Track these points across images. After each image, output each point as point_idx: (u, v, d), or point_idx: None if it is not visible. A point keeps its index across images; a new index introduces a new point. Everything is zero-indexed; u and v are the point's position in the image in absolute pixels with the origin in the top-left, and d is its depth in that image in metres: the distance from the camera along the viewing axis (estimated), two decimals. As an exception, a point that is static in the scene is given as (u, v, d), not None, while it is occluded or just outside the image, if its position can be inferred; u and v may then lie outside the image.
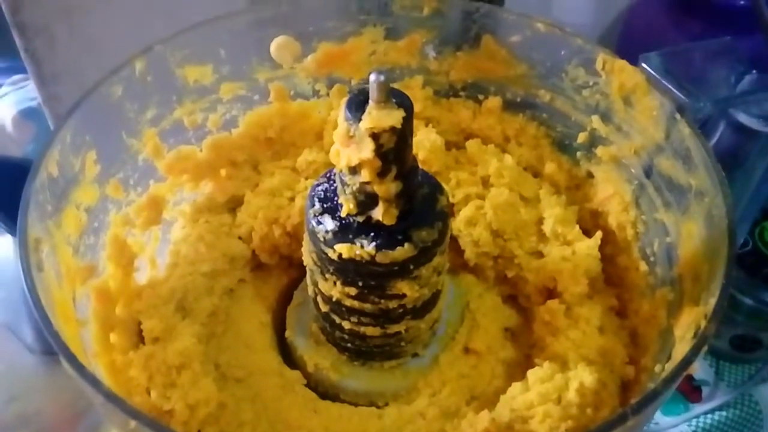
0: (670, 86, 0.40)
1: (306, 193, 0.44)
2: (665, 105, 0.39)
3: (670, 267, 0.38)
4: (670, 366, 0.31)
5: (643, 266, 0.41)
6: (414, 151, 0.43)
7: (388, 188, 0.33)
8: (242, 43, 0.44)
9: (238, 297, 0.43)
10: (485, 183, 0.45)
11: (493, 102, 0.47)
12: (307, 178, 0.46)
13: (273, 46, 0.44)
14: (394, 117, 0.31)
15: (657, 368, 0.33)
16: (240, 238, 0.44)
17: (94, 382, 0.25)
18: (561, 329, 0.38)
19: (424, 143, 0.45)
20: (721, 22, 0.67)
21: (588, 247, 0.41)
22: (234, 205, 0.46)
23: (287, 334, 0.42)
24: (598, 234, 0.42)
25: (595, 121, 0.44)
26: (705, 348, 0.28)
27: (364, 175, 0.32)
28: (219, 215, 0.45)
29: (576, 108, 0.45)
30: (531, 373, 0.35)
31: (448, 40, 0.47)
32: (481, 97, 0.48)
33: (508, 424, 0.33)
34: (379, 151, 0.32)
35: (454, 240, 0.43)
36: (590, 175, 0.45)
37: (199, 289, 0.41)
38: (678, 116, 0.38)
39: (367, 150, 0.32)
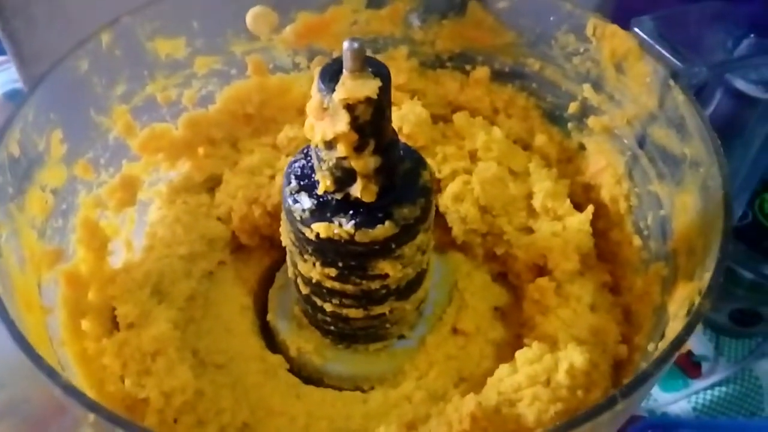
0: (663, 51, 0.38)
1: (287, 171, 0.43)
2: (659, 71, 0.37)
3: (664, 241, 0.37)
4: (663, 345, 0.29)
5: (637, 241, 0.39)
6: (399, 124, 0.42)
7: (366, 163, 0.31)
8: (216, 14, 0.42)
9: (217, 280, 0.42)
10: (473, 157, 0.43)
11: (481, 72, 0.45)
12: (287, 155, 0.44)
13: (249, 17, 0.42)
14: (369, 87, 0.29)
15: (650, 347, 0.32)
16: (219, 218, 0.43)
17: (51, 372, 0.24)
18: (551, 308, 0.37)
19: (410, 117, 0.43)
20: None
21: (579, 222, 0.40)
22: (212, 184, 0.44)
23: (269, 317, 0.40)
24: (590, 208, 0.40)
25: (587, 90, 0.42)
26: (698, 326, 0.26)
27: (341, 150, 0.31)
28: (197, 195, 0.43)
29: (566, 77, 0.43)
30: (519, 354, 0.34)
31: (432, 8, 0.45)
32: (468, 67, 0.46)
33: (495, 408, 0.31)
34: (355, 124, 0.30)
35: (441, 217, 0.41)
36: (582, 147, 0.44)
37: (177, 273, 0.39)
38: (672, 83, 0.36)
39: (342, 123, 0.30)
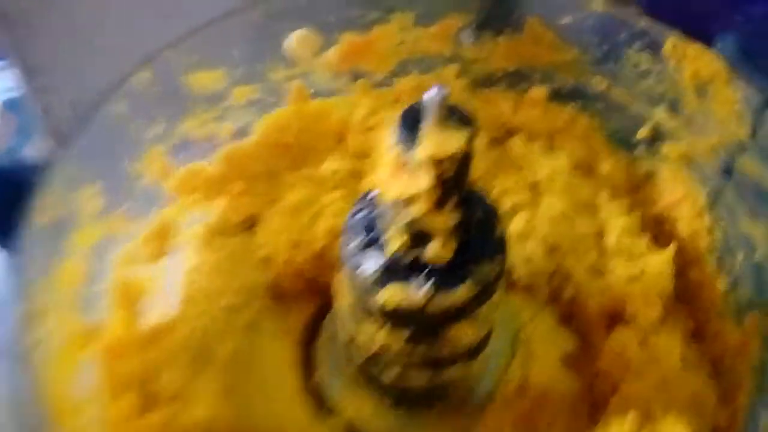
0: (752, 74, 0.34)
1: (332, 208, 0.39)
2: (751, 97, 0.34)
3: (761, 287, 0.33)
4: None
5: (722, 282, 0.36)
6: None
7: (447, 220, 0.28)
8: (255, 40, 0.38)
9: (259, 332, 0.38)
10: (533, 189, 0.40)
11: (538, 92, 0.42)
12: (333, 188, 0.40)
13: (292, 41, 0.39)
14: (457, 140, 0.26)
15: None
16: (259, 262, 0.39)
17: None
18: (637, 365, 0.33)
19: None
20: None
21: (661, 262, 0.36)
22: (250, 224, 0.40)
23: (318, 375, 0.37)
24: (672, 246, 0.36)
25: (660, 114, 0.38)
26: None
27: (419, 209, 0.27)
28: (233, 238, 0.39)
29: (636, 98, 0.39)
30: (615, 428, 0.31)
31: (486, 25, 0.41)
32: (524, 86, 0.42)
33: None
34: (439, 180, 0.26)
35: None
36: (649, 175, 0.40)
37: (219, 327, 0.36)
38: (769, 111, 0.33)
39: (425, 180, 0.26)
